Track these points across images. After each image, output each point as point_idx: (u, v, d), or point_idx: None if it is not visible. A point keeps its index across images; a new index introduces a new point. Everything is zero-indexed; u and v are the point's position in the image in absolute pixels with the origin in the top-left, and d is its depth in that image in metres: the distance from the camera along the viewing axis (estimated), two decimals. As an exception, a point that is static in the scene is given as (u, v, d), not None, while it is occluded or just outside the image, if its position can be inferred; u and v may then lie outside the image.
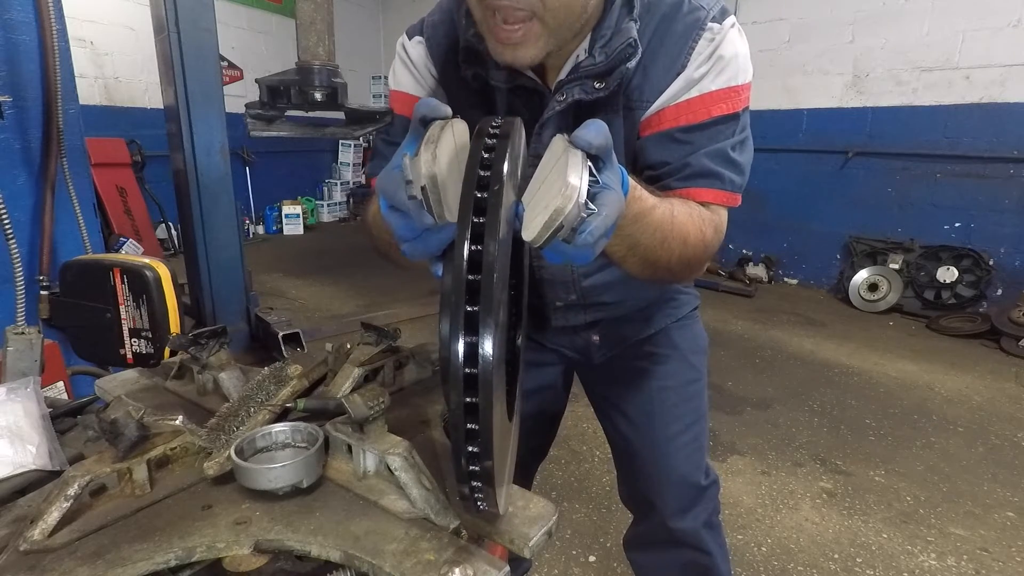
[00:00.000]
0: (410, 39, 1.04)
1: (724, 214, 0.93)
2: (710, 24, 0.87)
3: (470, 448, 0.49)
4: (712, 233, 0.87)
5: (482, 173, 0.50)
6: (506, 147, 0.52)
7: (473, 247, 0.48)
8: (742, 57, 0.88)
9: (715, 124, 0.89)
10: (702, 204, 0.89)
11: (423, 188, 0.52)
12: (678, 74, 0.88)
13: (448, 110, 0.59)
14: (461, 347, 0.47)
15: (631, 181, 0.68)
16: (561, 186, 0.51)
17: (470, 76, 0.94)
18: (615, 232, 0.71)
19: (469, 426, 0.49)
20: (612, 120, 0.93)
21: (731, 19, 0.88)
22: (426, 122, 0.58)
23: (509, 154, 0.52)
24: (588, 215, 0.53)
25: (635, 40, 0.85)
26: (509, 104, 0.96)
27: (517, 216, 0.56)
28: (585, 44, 0.89)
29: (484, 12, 0.80)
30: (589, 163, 0.55)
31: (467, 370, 0.47)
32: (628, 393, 1.24)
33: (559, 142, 0.57)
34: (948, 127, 4.74)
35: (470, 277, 0.48)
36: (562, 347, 1.26)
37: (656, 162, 0.92)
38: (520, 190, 0.60)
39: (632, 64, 0.86)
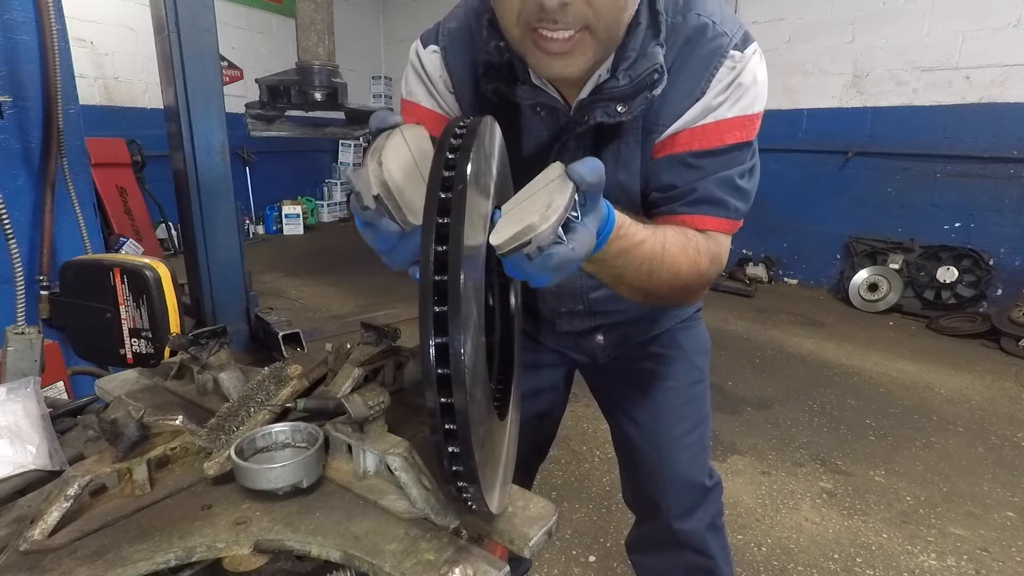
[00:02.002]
0: (425, 47, 1.00)
1: (725, 242, 0.93)
2: (732, 52, 0.86)
3: (451, 448, 0.49)
4: (708, 263, 0.87)
5: (446, 173, 0.50)
6: (471, 146, 0.51)
7: (438, 247, 0.48)
8: (760, 85, 0.87)
9: (728, 151, 0.88)
10: (703, 231, 0.89)
11: (376, 197, 0.52)
12: (697, 100, 0.87)
13: (398, 119, 0.59)
14: (432, 348, 0.47)
15: (618, 219, 0.68)
16: (544, 206, 0.52)
17: (490, 91, 0.92)
18: (600, 263, 0.73)
19: (447, 426, 0.48)
20: (631, 144, 0.92)
21: (753, 46, 0.87)
22: (375, 134, 0.58)
23: (475, 155, 0.51)
24: (557, 243, 0.54)
25: (661, 66, 0.84)
26: (528, 121, 0.95)
27: (492, 221, 0.57)
28: (608, 64, 0.87)
29: (525, 30, 0.77)
30: (577, 197, 0.56)
31: (440, 371, 0.47)
32: (633, 394, 1.24)
33: (556, 168, 0.58)
34: (948, 127, 4.74)
35: (437, 278, 0.47)
36: (566, 348, 1.26)
37: (664, 184, 0.91)
38: (501, 192, 0.60)
39: (657, 91, 0.85)
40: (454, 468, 0.50)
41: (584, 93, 0.90)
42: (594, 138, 0.92)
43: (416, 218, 0.54)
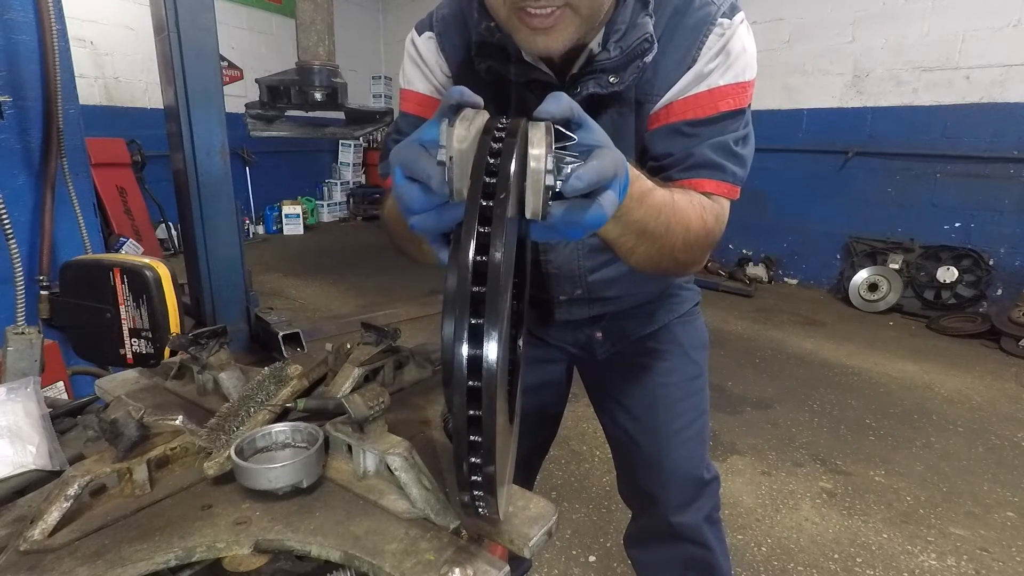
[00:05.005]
0: (420, 35, 1.03)
1: (726, 204, 0.93)
2: (720, 19, 0.88)
3: (473, 459, 0.50)
4: (713, 220, 0.88)
5: (488, 180, 0.51)
6: (511, 157, 0.52)
7: (478, 257, 0.48)
8: (750, 54, 0.89)
9: (722, 119, 0.90)
10: (704, 194, 0.90)
11: (451, 158, 0.52)
12: (688, 68, 0.89)
13: (480, 100, 0.59)
14: (465, 360, 0.47)
15: (628, 165, 0.67)
16: (530, 159, 0.53)
17: (483, 70, 0.94)
18: (624, 221, 0.72)
19: (472, 438, 0.49)
20: (624, 115, 0.94)
21: (740, 15, 0.89)
22: (457, 108, 0.58)
23: (516, 155, 0.52)
24: (571, 162, 0.54)
25: (651, 35, 0.86)
26: (522, 98, 0.96)
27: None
28: (599, 38, 0.89)
29: (511, 9, 0.79)
30: (557, 127, 0.57)
31: (471, 383, 0.47)
32: (631, 388, 1.24)
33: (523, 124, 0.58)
34: (948, 127, 4.74)
35: (475, 289, 0.47)
36: (565, 343, 1.27)
37: (660, 154, 0.93)
38: None
39: (648, 59, 0.87)
40: (473, 478, 0.51)
41: (576, 68, 0.91)
42: (587, 110, 0.93)
43: (462, 197, 0.55)
